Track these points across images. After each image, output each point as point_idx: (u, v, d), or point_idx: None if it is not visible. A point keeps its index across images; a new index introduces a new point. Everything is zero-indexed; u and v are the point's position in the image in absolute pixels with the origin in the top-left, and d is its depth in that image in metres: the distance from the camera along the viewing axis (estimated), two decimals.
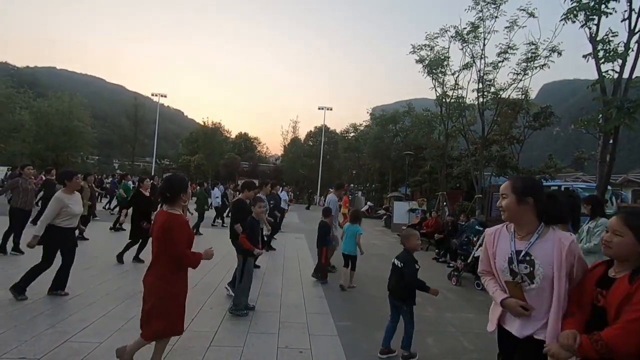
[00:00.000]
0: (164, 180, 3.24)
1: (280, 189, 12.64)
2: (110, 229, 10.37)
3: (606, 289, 1.71)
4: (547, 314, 1.86)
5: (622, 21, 6.91)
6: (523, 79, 13.30)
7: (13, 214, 6.58)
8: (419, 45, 15.36)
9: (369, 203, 25.98)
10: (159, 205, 3.33)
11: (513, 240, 1.96)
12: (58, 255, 4.66)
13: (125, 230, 9.99)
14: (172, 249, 2.80)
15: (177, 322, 2.92)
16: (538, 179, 15.60)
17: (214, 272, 6.46)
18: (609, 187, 15.99)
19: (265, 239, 8.81)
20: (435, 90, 15.86)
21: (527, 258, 1.87)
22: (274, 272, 7.01)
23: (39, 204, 8.88)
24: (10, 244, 6.62)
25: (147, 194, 7.26)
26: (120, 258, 6.74)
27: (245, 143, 55.38)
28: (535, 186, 1.99)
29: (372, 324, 4.43)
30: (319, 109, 37.50)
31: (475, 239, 7.92)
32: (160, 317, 2.84)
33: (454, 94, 15.35)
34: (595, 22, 7.22)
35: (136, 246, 6.90)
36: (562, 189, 15.07)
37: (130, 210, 7.08)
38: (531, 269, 1.87)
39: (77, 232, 5.25)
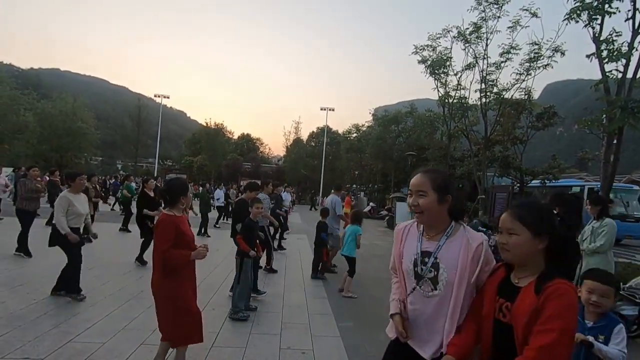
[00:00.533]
0: (165, 182, 3.30)
1: (283, 189, 12.68)
2: (120, 230, 10.47)
3: (510, 300, 1.43)
4: None
5: (625, 20, 6.87)
6: (526, 79, 13.31)
7: (19, 215, 6.65)
8: (422, 46, 15.39)
9: (371, 204, 25.97)
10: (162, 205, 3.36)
11: (420, 240, 1.73)
12: (63, 255, 4.67)
13: (130, 232, 10.08)
14: (157, 248, 2.84)
15: (177, 328, 2.89)
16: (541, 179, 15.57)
17: (217, 272, 6.48)
18: None
19: (276, 239, 8.88)
20: (438, 90, 15.88)
21: (433, 260, 1.66)
22: (276, 272, 7.01)
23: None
24: (13, 245, 6.66)
25: (152, 194, 7.32)
26: (140, 260, 6.79)
27: (248, 144, 55.44)
28: (451, 181, 1.76)
29: (374, 325, 4.42)
30: (321, 109, 37.53)
31: None
32: (173, 325, 2.87)
33: (457, 94, 15.35)
34: (599, 21, 7.18)
35: (140, 246, 6.92)
36: (586, 189, 14.94)
37: (136, 210, 7.20)
38: (435, 273, 1.64)
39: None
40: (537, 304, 1.30)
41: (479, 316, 1.55)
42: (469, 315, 1.61)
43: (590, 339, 2.05)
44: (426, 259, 1.67)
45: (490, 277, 1.58)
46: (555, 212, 1.58)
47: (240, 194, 11.02)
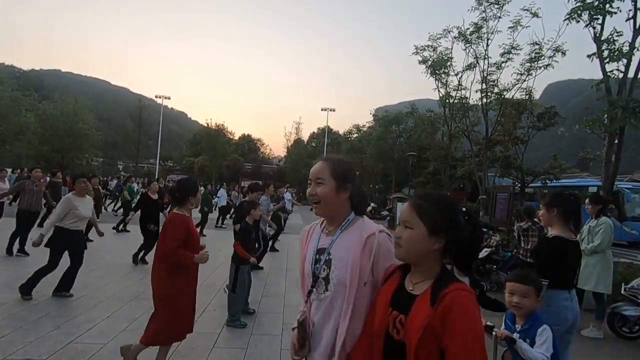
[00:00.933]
0: (176, 182, 3.34)
1: (285, 190, 12.70)
2: (113, 228, 10.45)
3: (405, 312, 1.19)
4: None
5: (626, 20, 6.87)
6: (527, 79, 13.27)
7: (19, 216, 6.65)
8: (422, 46, 15.39)
9: (372, 204, 25.95)
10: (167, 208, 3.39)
11: (319, 237, 1.55)
12: (65, 256, 4.69)
13: (129, 231, 10.11)
14: (165, 244, 2.85)
15: (175, 327, 2.88)
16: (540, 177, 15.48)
17: (218, 273, 6.48)
18: None
19: (269, 240, 8.86)
20: (439, 91, 15.88)
21: (326, 257, 1.47)
22: (277, 273, 7.02)
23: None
24: (16, 246, 6.68)
25: (155, 197, 7.30)
26: (135, 259, 6.84)
27: (249, 144, 55.61)
28: (352, 170, 1.59)
29: None
30: (322, 110, 37.65)
31: None
32: (157, 321, 2.86)
33: (458, 94, 15.34)
34: (600, 21, 7.19)
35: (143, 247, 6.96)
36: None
37: (138, 213, 7.19)
38: (328, 271, 1.45)
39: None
40: (434, 317, 1.10)
41: (371, 332, 1.29)
42: (364, 331, 1.34)
43: (515, 335, 2.03)
44: (321, 257, 1.49)
45: (384, 284, 1.34)
46: (463, 209, 1.33)
47: (243, 195, 11.06)
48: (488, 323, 2.21)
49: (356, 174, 1.63)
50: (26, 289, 4.51)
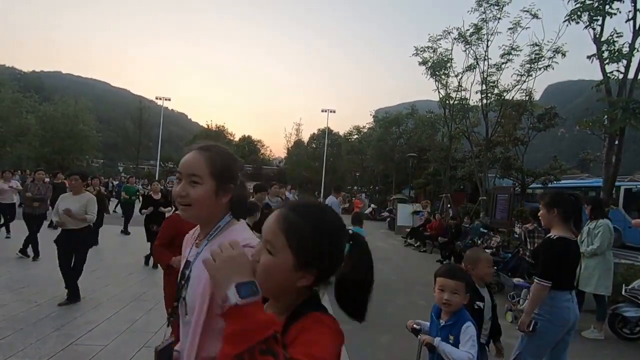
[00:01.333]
0: None
1: (287, 190, 12.73)
2: (122, 232, 10.48)
3: None
4: None
5: (626, 21, 6.89)
6: (527, 80, 13.26)
7: (24, 219, 6.70)
8: (422, 47, 15.40)
9: (372, 205, 25.95)
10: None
11: (192, 245, 1.26)
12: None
13: (130, 233, 10.11)
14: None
15: None
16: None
17: None
18: None
19: None
20: (439, 92, 15.88)
21: (188, 273, 1.18)
22: None
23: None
24: (17, 247, 6.69)
25: (157, 197, 7.33)
26: (147, 259, 6.85)
27: (249, 146, 55.58)
28: (236, 166, 1.25)
29: (375, 328, 4.41)
30: (322, 111, 37.67)
31: (479, 241, 7.88)
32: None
33: (458, 95, 15.34)
34: (600, 22, 7.20)
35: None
36: (622, 189, 14.47)
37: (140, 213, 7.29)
38: (186, 291, 1.17)
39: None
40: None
41: None
42: None
43: (436, 341, 1.94)
44: (185, 272, 1.20)
45: None
46: (349, 231, 0.97)
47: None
48: (415, 325, 2.18)
49: (239, 169, 1.26)
50: (71, 296, 4.52)
